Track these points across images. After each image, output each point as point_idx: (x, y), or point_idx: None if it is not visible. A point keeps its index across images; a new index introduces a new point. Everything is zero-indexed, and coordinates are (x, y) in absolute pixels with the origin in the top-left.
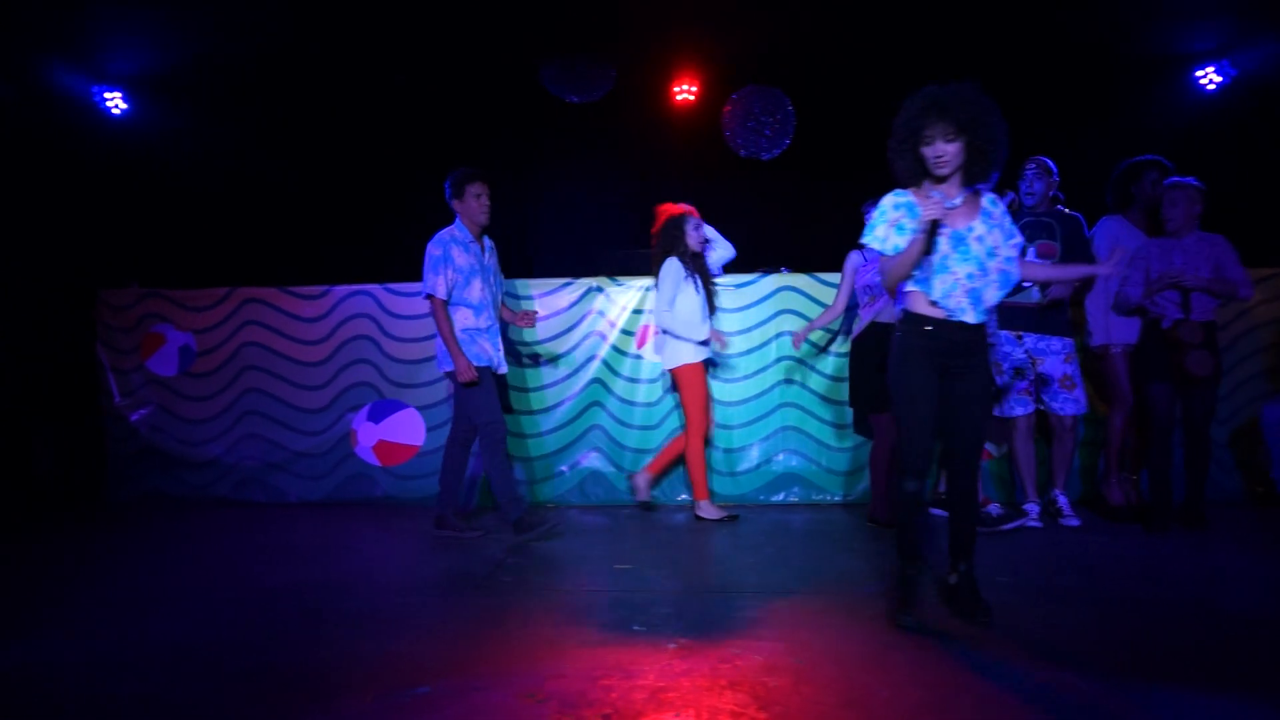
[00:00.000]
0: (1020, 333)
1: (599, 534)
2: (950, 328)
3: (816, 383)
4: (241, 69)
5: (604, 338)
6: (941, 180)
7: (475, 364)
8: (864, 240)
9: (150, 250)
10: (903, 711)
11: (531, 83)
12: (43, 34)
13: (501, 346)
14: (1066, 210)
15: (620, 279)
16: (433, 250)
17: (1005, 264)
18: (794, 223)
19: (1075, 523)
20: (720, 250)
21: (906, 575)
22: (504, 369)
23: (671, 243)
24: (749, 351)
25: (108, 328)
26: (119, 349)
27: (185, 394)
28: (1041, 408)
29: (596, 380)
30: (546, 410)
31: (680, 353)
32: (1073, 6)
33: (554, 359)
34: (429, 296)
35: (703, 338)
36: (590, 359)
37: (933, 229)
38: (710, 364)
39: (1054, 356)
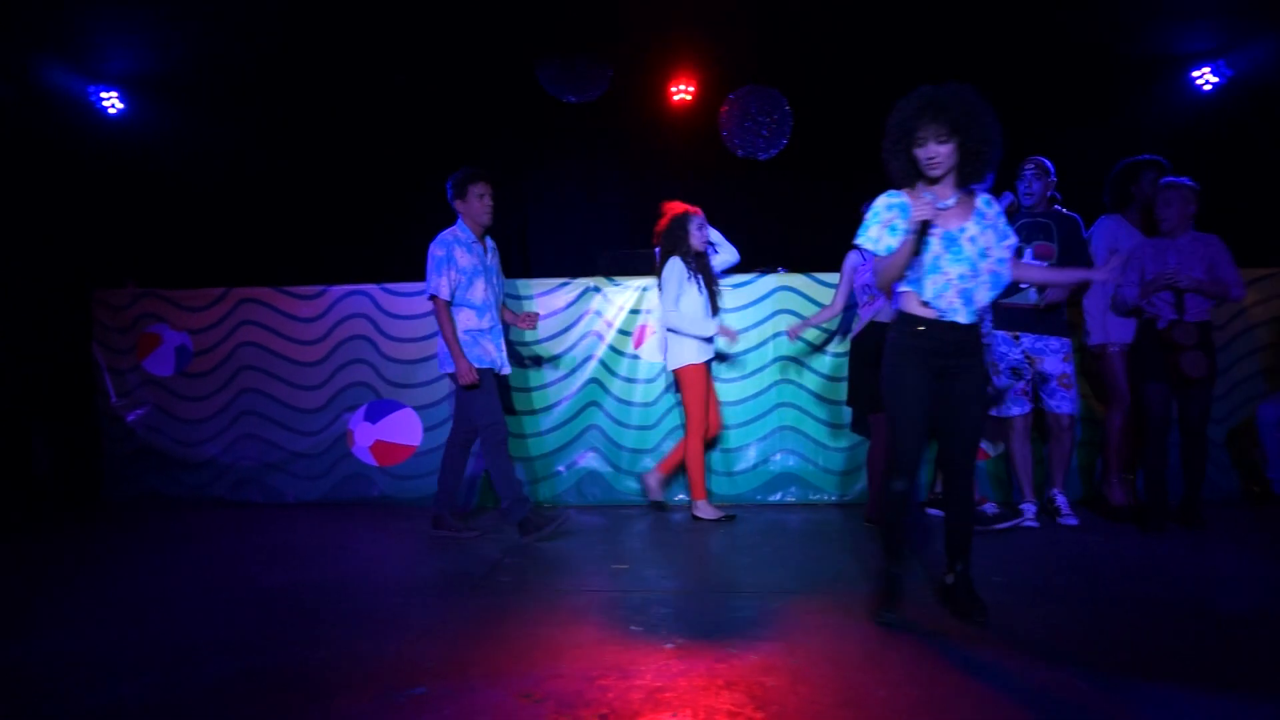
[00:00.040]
0: (1018, 333)
1: (596, 534)
2: (942, 328)
3: (813, 382)
4: (239, 68)
5: (601, 338)
6: (935, 181)
7: (478, 365)
8: (857, 241)
9: (147, 250)
10: (899, 711)
11: (529, 83)
12: (39, 33)
13: (504, 347)
14: (1064, 211)
15: (617, 279)
16: (435, 251)
17: (997, 265)
18: (791, 223)
19: (1073, 521)
20: (724, 255)
21: (890, 573)
22: (507, 370)
23: (674, 242)
24: (746, 351)
25: (104, 327)
26: (115, 349)
27: (181, 394)
28: (1040, 407)
29: (593, 380)
30: (544, 410)
31: (684, 353)
32: (1071, 6)
33: (551, 359)
34: (432, 297)
35: (710, 333)
36: (587, 359)
37: (924, 230)
38: (720, 358)
39: (1053, 355)
